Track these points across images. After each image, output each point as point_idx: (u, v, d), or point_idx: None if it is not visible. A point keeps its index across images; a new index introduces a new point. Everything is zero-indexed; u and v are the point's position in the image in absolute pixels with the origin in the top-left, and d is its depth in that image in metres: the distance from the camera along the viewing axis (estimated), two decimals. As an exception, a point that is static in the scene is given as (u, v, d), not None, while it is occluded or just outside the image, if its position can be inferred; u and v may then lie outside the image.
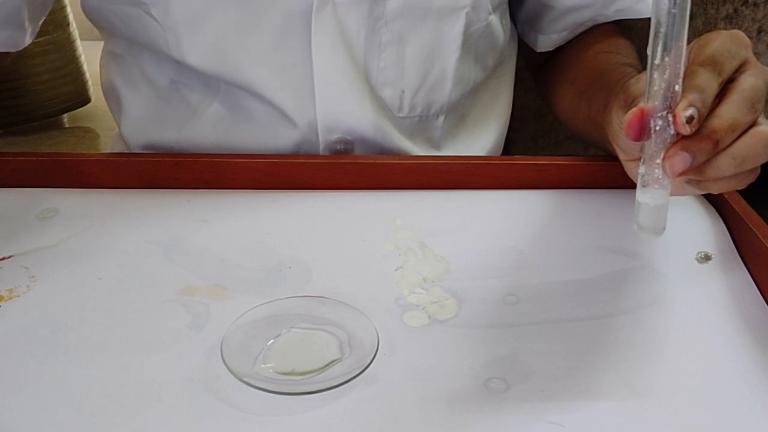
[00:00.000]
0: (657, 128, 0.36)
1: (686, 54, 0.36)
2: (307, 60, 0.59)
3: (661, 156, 0.36)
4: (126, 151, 0.69)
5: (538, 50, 0.71)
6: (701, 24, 1.20)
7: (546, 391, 0.37)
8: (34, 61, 1.95)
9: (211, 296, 0.44)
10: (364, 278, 0.46)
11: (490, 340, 0.41)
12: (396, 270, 0.47)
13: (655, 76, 0.35)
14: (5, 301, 0.43)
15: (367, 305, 0.42)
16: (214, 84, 0.62)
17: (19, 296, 0.44)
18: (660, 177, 0.36)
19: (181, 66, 0.61)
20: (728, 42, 0.38)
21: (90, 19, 0.65)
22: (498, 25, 0.65)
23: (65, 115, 2.20)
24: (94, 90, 2.15)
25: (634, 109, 0.36)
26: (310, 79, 0.59)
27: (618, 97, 0.43)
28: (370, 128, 0.61)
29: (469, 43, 0.62)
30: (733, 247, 0.49)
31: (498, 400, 0.36)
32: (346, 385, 0.36)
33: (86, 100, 2.14)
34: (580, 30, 0.68)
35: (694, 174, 0.37)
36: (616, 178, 0.55)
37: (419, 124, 0.65)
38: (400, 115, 0.63)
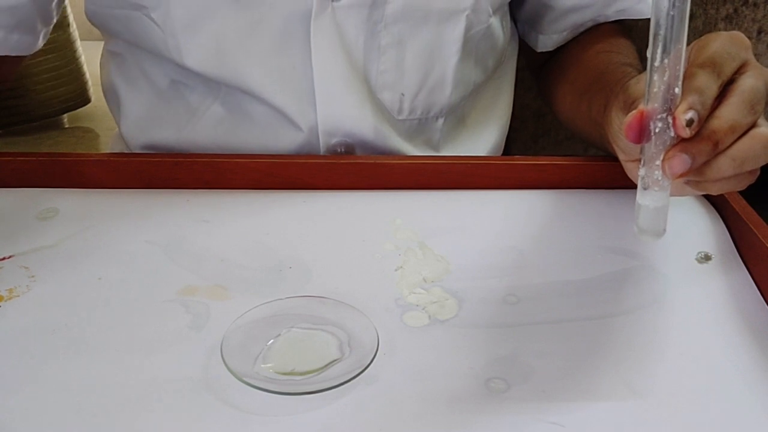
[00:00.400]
0: (657, 130, 0.36)
1: (686, 56, 0.36)
2: (307, 63, 0.59)
3: (661, 158, 0.36)
4: (126, 151, 0.69)
5: (539, 50, 0.71)
6: (701, 24, 1.20)
7: (546, 391, 0.37)
8: (33, 61, 1.94)
9: (211, 296, 0.44)
10: (364, 278, 0.46)
11: (490, 340, 0.41)
12: (396, 270, 0.47)
13: (655, 78, 0.35)
14: (5, 301, 0.43)
15: (367, 305, 0.42)
16: (214, 85, 0.62)
17: (18, 296, 0.44)
18: (660, 179, 0.36)
19: (181, 67, 0.61)
20: (728, 43, 0.38)
21: (93, 23, 0.65)
22: (498, 26, 0.65)
23: (65, 115, 2.20)
24: (94, 90, 2.15)
25: (633, 111, 0.36)
26: (310, 82, 0.59)
27: (618, 98, 0.43)
28: (371, 131, 0.61)
29: (470, 46, 0.62)
30: (733, 247, 0.49)
31: (498, 400, 0.36)
32: (346, 385, 0.36)
33: (86, 100, 2.14)
34: (581, 30, 0.68)
35: (694, 175, 0.37)
36: (616, 178, 0.55)
37: (419, 127, 0.65)
38: (400, 117, 0.63)
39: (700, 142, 0.36)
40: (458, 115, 0.68)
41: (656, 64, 0.35)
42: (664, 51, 0.35)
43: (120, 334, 0.41)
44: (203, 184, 0.56)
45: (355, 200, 0.54)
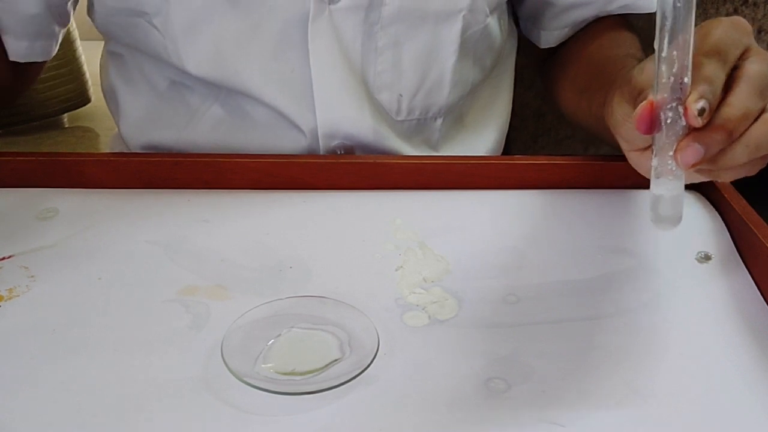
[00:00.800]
0: (668, 121, 0.36)
1: (693, 45, 0.36)
2: (305, 66, 0.59)
3: (674, 148, 0.36)
4: (126, 151, 0.69)
5: (541, 46, 0.71)
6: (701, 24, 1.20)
7: (546, 391, 0.37)
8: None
9: (211, 296, 0.44)
10: (364, 278, 0.46)
11: (490, 340, 0.41)
12: (396, 270, 0.47)
13: (663, 68, 0.35)
14: (5, 301, 0.43)
15: (367, 305, 0.42)
16: (214, 87, 0.62)
17: (18, 296, 0.44)
18: (674, 168, 0.36)
19: (181, 70, 0.61)
20: (730, 29, 0.38)
21: (96, 27, 0.66)
22: (496, 26, 0.65)
23: (65, 115, 2.20)
24: (94, 90, 2.15)
25: (643, 102, 0.36)
26: (309, 85, 0.59)
27: (621, 89, 0.43)
28: (370, 132, 0.61)
29: (467, 46, 0.62)
30: (733, 247, 0.49)
31: (498, 400, 0.36)
32: (346, 385, 0.36)
33: (86, 100, 2.13)
34: (583, 25, 0.68)
35: (708, 164, 0.37)
36: (616, 178, 0.55)
37: (417, 127, 0.65)
38: (399, 118, 0.63)
39: (713, 132, 0.35)
40: (456, 114, 0.68)
41: (664, 54, 0.35)
42: (671, 42, 0.35)
43: (120, 334, 0.41)
44: (203, 184, 0.56)
45: (355, 200, 0.54)
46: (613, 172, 0.55)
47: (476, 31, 0.62)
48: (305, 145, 0.62)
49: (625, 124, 0.42)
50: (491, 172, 0.56)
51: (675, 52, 0.35)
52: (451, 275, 0.46)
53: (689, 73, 0.35)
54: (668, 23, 0.35)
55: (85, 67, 2.07)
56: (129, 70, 0.65)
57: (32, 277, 0.46)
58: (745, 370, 0.38)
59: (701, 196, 0.54)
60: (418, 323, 0.42)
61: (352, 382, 0.37)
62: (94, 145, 2.14)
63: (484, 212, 0.53)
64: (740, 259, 0.47)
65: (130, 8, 0.59)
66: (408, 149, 0.64)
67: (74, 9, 0.66)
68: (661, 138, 0.36)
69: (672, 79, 0.35)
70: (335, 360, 0.39)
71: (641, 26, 0.69)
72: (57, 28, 0.65)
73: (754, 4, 1.29)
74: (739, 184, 0.53)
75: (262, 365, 0.38)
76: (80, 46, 2.02)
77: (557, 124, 0.96)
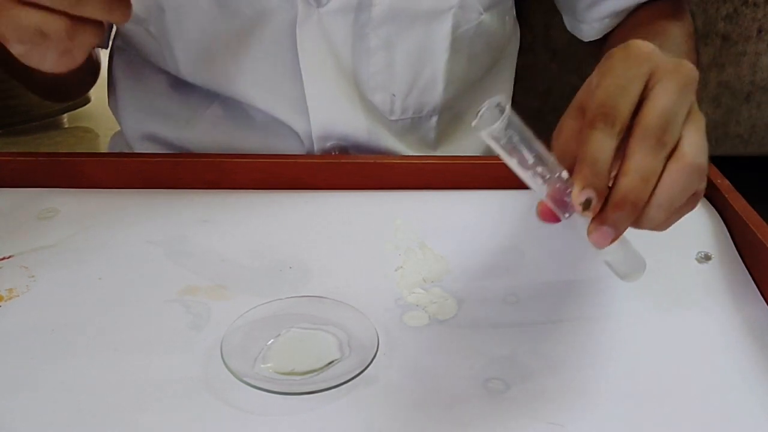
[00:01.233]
0: (567, 214, 0.34)
1: (546, 151, 0.33)
2: (296, 70, 0.59)
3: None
4: (126, 151, 0.69)
5: (585, 40, 0.68)
6: (701, 24, 1.20)
7: (546, 391, 0.37)
8: (34, 61, 1.94)
9: (212, 296, 0.44)
10: (364, 278, 0.46)
11: (490, 340, 0.41)
12: (396, 270, 0.47)
13: (538, 170, 0.33)
14: (5, 301, 0.43)
15: (367, 305, 0.42)
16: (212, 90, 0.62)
17: (18, 296, 0.44)
18: None
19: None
20: (620, 70, 0.34)
21: None
22: (494, 23, 0.64)
23: (65, 115, 2.20)
24: (94, 90, 2.15)
25: (539, 201, 0.34)
26: (301, 88, 0.59)
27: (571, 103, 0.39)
28: (364, 133, 0.61)
29: (460, 43, 0.62)
30: (733, 247, 0.49)
31: (498, 400, 0.36)
32: (346, 385, 0.36)
33: (86, 100, 2.13)
34: (624, 15, 0.64)
35: (633, 227, 0.34)
36: (616, 178, 0.55)
37: (412, 126, 0.65)
38: (392, 118, 0.63)
39: (615, 210, 0.32)
40: (455, 112, 0.68)
41: (530, 162, 0.33)
42: (529, 149, 0.33)
43: (120, 334, 0.41)
44: (204, 183, 0.56)
45: (355, 200, 0.54)
46: (613, 172, 0.55)
47: (469, 28, 0.61)
48: (300, 146, 0.62)
49: (557, 140, 0.38)
50: (491, 172, 0.56)
51: (534, 158, 0.33)
52: (451, 275, 0.46)
53: (561, 169, 0.33)
54: (515, 138, 0.33)
55: (85, 68, 2.07)
56: (131, 68, 0.66)
57: (32, 277, 0.46)
58: (745, 370, 0.38)
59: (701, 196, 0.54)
60: (418, 323, 0.42)
61: (352, 382, 0.37)
62: (94, 145, 2.14)
63: (484, 212, 0.53)
64: (740, 259, 0.47)
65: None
66: (403, 148, 0.64)
67: None
68: (575, 220, 0.34)
69: (549, 176, 0.33)
70: (335, 360, 0.39)
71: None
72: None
73: (754, 3, 1.29)
74: (739, 184, 0.53)
75: (262, 365, 0.38)
76: (80, 46, 2.01)
77: (557, 124, 0.96)
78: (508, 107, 0.32)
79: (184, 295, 0.44)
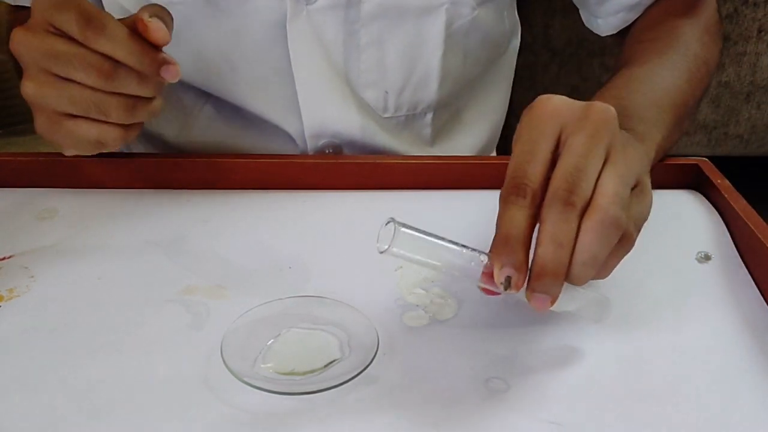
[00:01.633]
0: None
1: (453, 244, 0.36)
2: (287, 68, 0.59)
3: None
4: (124, 151, 0.69)
5: (602, 35, 0.67)
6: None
7: (546, 391, 0.37)
8: (34, 61, 1.94)
9: (211, 296, 0.44)
10: (364, 278, 0.46)
11: (490, 340, 0.41)
12: (396, 270, 0.47)
13: (457, 262, 0.36)
14: (5, 301, 0.43)
15: (367, 305, 0.42)
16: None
17: (18, 296, 0.44)
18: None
19: None
20: (527, 135, 0.35)
21: None
22: (490, 18, 0.63)
23: (65, 115, 2.20)
24: (95, 90, 2.15)
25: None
26: (293, 87, 0.59)
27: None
28: (357, 130, 0.61)
29: (455, 39, 0.61)
30: (733, 247, 0.49)
31: (498, 400, 0.36)
32: (346, 385, 0.36)
33: (86, 100, 2.14)
34: (640, 9, 0.63)
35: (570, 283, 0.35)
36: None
37: (406, 123, 0.64)
38: (386, 115, 0.63)
39: (542, 278, 0.33)
40: (452, 109, 0.68)
41: (447, 258, 0.36)
42: (445, 250, 0.36)
43: (120, 333, 0.41)
44: (203, 184, 0.56)
45: (355, 200, 0.54)
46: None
47: (463, 24, 0.61)
48: (293, 144, 0.62)
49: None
50: (491, 172, 0.56)
51: (451, 252, 0.36)
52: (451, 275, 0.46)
53: (480, 254, 0.35)
54: (425, 243, 0.36)
55: (86, 68, 2.06)
56: None
57: (32, 277, 0.46)
58: (745, 370, 0.38)
59: (701, 196, 0.54)
60: (418, 323, 0.42)
61: (352, 382, 0.37)
62: (94, 145, 2.14)
63: (483, 212, 0.53)
64: (740, 259, 0.47)
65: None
66: (398, 145, 0.64)
67: None
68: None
69: (473, 264, 0.35)
70: (335, 360, 0.39)
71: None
72: None
73: (754, 3, 1.29)
74: (739, 185, 0.53)
75: (262, 365, 0.38)
76: (80, 46, 2.01)
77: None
78: (399, 222, 0.35)
79: (184, 294, 0.44)
